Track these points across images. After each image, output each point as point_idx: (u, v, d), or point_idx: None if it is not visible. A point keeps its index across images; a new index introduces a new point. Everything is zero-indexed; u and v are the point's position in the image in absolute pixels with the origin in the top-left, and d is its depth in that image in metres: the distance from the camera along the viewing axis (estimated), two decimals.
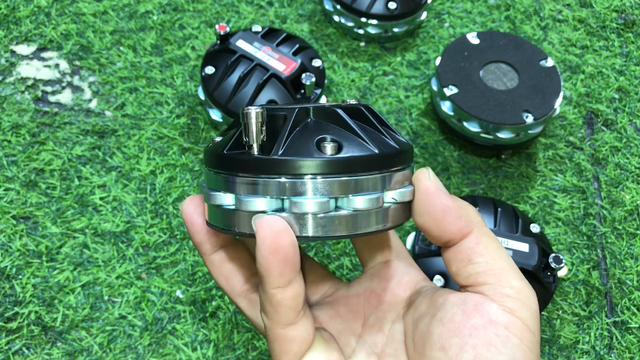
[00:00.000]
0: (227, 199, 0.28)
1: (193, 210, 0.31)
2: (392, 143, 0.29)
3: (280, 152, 0.27)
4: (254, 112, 0.26)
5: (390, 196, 0.28)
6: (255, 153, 0.27)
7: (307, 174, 0.27)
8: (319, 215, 0.27)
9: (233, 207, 0.28)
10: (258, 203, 0.27)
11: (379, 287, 0.34)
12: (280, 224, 0.26)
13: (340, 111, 0.28)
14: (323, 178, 0.27)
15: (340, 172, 0.27)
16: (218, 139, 0.31)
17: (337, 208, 0.27)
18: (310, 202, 0.26)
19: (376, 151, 0.27)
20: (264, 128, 0.27)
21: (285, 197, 0.27)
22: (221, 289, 0.36)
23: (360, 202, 0.27)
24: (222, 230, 0.29)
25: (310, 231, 0.27)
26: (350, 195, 0.27)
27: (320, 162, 0.26)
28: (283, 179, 0.27)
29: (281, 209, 0.27)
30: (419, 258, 0.52)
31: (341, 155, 0.27)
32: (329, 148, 0.27)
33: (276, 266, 0.27)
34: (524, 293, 0.28)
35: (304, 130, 0.28)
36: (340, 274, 0.56)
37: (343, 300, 0.35)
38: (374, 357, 0.32)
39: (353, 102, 0.31)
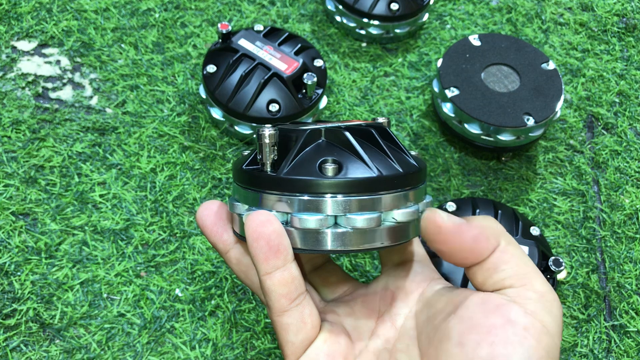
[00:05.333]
0: (241, 209, 0.31)
1: (205, 214, 0.33)
2: (396, 165, 0.30)
3: (284, 172, 0.29)
4: (267, 132, 0.29)
5: (391, 216, 0.30)
6: (268, 171, 0.29)
7: (308, 193, 0.28)
8: (315, 231, 0.28)
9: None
10: None
11: (394, 285, 0.35)
12: (264, 215, 0.28)
13: (348, 134, 0.30)
14: (318, 197, 0.28)
15: (336, 192, 0.28)
16: (247, 152, 0.33)
17: (336, 225, 0.29)
18: (310, 218, 0.28)
19: (375, 174, 0.29)
20: (275, 148, 0.29)
21: (286, 212, 0.29)
22: (244, 284, 0.38)
23: (359, 221, 0.28)
24: (239, 237, 0.32)
25: (299, 244, 0.29)
26: (347, 214, 0.28)
27: (319, 182, 0.28)
28: (284, 196, 0.29)
29: (285, 223, 0.29)
30: None
31: (340, 176, 0.29)
32: (330, 170, 0.29)
33: (259, 252, 0.29)
34: (547, 297, 0.29)
35: (313, 151, 0.30)
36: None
37: (360, 299, 0.35)
38: (386, 352, 0.33)
39: (381, 120, 0.33)
